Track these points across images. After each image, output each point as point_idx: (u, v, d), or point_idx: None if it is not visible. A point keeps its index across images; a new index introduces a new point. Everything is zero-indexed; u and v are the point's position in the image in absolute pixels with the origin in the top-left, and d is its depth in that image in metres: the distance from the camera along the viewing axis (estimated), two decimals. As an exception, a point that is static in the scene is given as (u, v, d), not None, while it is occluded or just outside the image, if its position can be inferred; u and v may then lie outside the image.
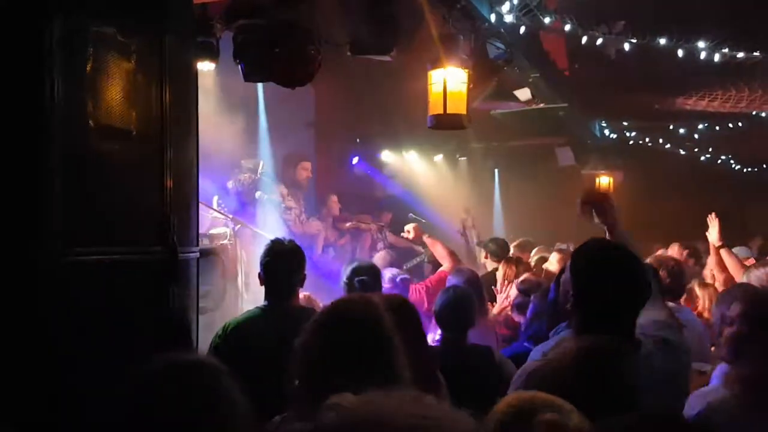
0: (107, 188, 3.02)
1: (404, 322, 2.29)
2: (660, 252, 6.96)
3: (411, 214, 9.74)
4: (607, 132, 11.51)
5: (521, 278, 4.99)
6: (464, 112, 4.55)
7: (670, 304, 4.22)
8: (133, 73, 3.26)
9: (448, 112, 4.46)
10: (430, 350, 2.50)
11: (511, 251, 6.79)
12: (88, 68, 3.02)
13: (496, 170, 12.70)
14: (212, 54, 4.66)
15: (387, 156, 11.46)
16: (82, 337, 2.76)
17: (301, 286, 3.63)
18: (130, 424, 1.56)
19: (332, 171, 10.04)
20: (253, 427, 1.69)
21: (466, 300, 3.78)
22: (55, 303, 2.74)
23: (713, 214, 5.85)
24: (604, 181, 11.98)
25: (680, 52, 5.43)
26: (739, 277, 4.97)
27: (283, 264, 3.56)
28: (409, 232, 5.81)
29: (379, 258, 6.40)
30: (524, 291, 4.58)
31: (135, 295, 3.10)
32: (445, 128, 4.72)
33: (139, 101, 3.28)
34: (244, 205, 6.66)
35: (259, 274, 3.67)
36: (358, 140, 10.64)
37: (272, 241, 3.82)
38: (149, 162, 3.32)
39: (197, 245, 3.98)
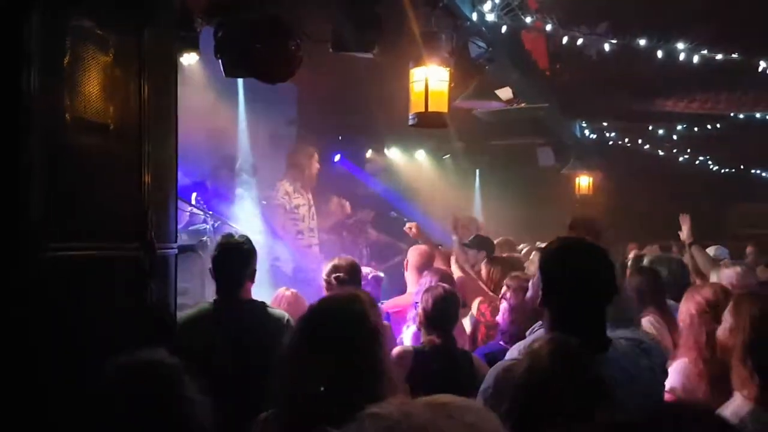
0: (84, 183, 2.98)
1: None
2: (633, 253, 7.07)
3: (392, 212, 9.74)
4: (587, 132, 11.60)
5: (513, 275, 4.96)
6: (446, 110, 4.55)
7: (671, 302, 4.23)
8: (111, 66, 3.23)
9: (429, 110, 4.46)
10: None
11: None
12: (65, 61, 2.98)
13: (477, 169, 12.73)
14: (193, 48, 4.62)
15: (369, 154, 11.45)
16: (59, 334, 2.72)
17: (252, 280, 3.62)
18: (93, 422, 1.56)
19: (284, 176, 10.01)
20: (213, 425, 1.68)
21: (455, 300, 3.77)
22: (33, 299, 2.70)
23: (684, 214, 6.06)
24: (584, 181, 12.08)
25: (660, 54, 5.49)
26: (709, 275, 5.03)
27: (231, 258, 3.56)
28: (411, 228, 5.78)
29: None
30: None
31: (113, 292, 3.08)
32: (427, 126, 4.72)
33: (118, 95, 3.25)
34: (222, 202, 6.60)
35: (210, 269, 3.67)
36: (340, 138, 10.62)
37: (222, 236, 3.85)
38: (127, 157, 3.29)
39: (176, 241, 3.95)
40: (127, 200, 3.28)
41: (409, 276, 5.02)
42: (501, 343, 3.83)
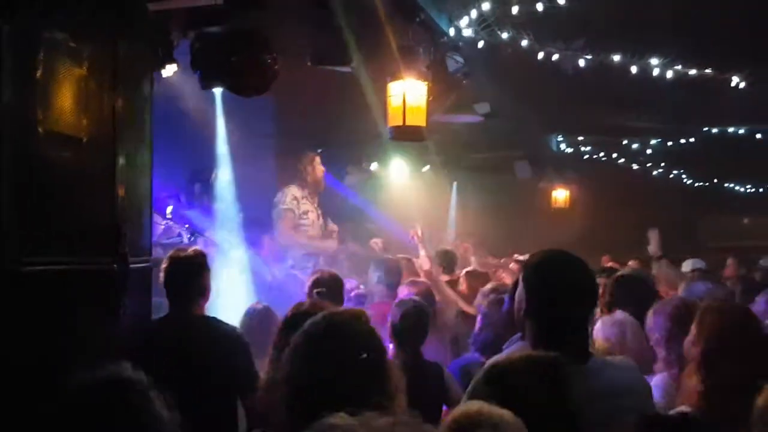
0: (56, 196, 2.94)
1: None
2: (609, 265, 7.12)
3: (370, 224, 9.71)
4: (563, 146, 11.70)
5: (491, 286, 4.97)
6: (424, 124, 4.57)
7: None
8: (85, 79, 3.20)
9: (407, 124, 4.47)
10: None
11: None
12: (37, 74, 2.95)
13: (454, 182, 12.77)
14: (169, 61, 4.59)
15: (348, 167, 11.44)
16: (30, 348, 2.66)
17: (203, 295, 3.54)
18: None
19: (292, 181, 9.97)
20: None
21: (423, 314, 3.76)
22: (3, 313, 2.64)
23: (652, 229, 6.19)
24: (560, 194, 12.17)
25: (634, 69, 5.57)
26: (676, 288, 5.06)
27: (180, 273, 3.49)
28: (415, 233, 5.76)
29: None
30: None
31: (85, 306, 3.02)
32: (405, 140, 4.74)
33: (91, 108, 3.22)
34: (197, 215, 6.53)
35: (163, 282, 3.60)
36: (319, 151, 10.61)
37: (174, 250, 3.77)
38: (100, 170, 3.26)
39: (150, 255, 3.91)
40: (100, 214, 3.25)
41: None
42: (476, 355, 3.82)
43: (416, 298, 4.11)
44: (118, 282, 3.25)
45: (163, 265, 3.60)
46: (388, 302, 4.84)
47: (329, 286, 4.35)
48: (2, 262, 2.66)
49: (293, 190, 6.95)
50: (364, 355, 1.84)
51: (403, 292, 4.77)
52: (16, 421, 2.47)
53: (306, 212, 6.98)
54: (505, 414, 1.53)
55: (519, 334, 3.04)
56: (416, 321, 3.68)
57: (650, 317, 3.25)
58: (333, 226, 7.55)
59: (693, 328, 2.55)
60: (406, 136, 4.62)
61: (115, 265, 3.24)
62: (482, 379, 1.95)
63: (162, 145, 4.78)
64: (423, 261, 5.55)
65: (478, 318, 3.94)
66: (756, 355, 2.34)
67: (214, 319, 3.62)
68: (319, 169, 7.33)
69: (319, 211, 7.24)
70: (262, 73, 3.65)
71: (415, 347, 3.64)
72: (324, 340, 1.87)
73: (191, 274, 3.53)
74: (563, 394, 1.81)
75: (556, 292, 2.23)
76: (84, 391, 1.58)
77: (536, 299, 2.27)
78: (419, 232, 5.62)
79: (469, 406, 1.57)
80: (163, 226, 5.85)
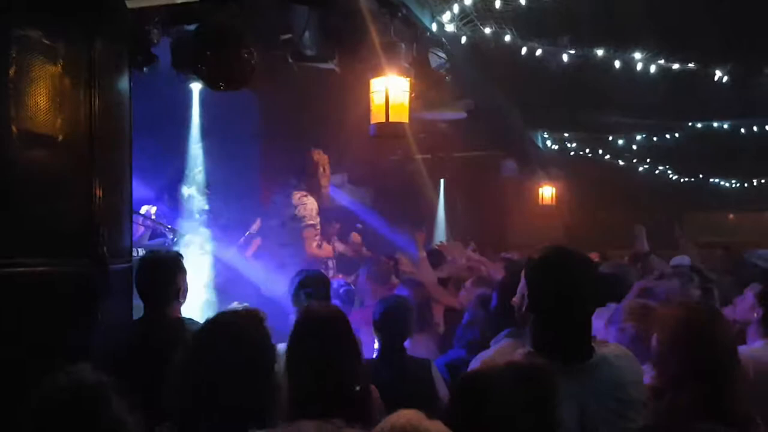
0: (30, 197, 2.89)
1: (332, 335, 2.27)
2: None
3: (358, 224, 9.67)
4: (549, 143, 11.72)
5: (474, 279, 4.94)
6: (406, 120, 4.53)
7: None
8: (60, 77, 3.14)
9: (390, 120, 4.43)
10: (363, 366, 2.44)
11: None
12: (11, 72, 2.89)
13: (441, 180, 12.76)
14: (148, 60, 4.53)
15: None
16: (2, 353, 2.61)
17: (178, 297, 3.43)
18: None
19: (278, 182, 9.91)
20: None
21: (403, 309, 3.73)
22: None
23: (639, 225, 6.24)
24: (547, 191, 12.19)
25: (617, 64, 5.56)
26: None
27: (153, 275, 3.40)
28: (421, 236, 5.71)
29: None
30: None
31: (60, 308, 2.96)
32: (387, 137, 4.69)
33: (66, 107, 3.16)
34: (180, 216, 6.46)
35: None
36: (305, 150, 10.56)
37: (146, 252, 3.68)
38: (76, 170, 3.19)
39: (131, 256, 3.85)
40: (77, 214, 3.19)
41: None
42: (462, 351, 3.79)
43: (400, 294, 4.07)
44: (95, 284, 3.19)
45: (137, 267, 3.50)
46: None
47: (316, 286, 4.29)
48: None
49: (313, 204, 6.46)
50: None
51: (400, 290, 4.73)
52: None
53: (319, 224, 6.58)
54: (435, 427, 1.51)
55: (507, 330, 3.01)
56: (398, 316, 3.64)
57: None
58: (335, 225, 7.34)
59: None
60: (389, 132, 4.58)
61: (93, 267, 3.18)
62: (458, 391, 1.91)
63: (145, 146, 4.73)
64: (406, 261, 5.53)
65: (465, 315, 3.91)
66: (699, 353, 2.33)
67: (191, 320, 3.55)
68: (328, 167, 7.01)
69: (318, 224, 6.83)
70: (239, 68, 3.59)
71: (398, 343, 3.60)
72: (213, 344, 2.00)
73: (166, 276, 3.43)
74: (545, 408, 1.77)
75: (559, 290, 2.19)
76: (42, 395, 1.55)
77: (538, 296, 2.23)
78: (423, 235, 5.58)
79: (398, 417, 1.54)
80: (143, 228, 5.78)
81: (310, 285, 4.18)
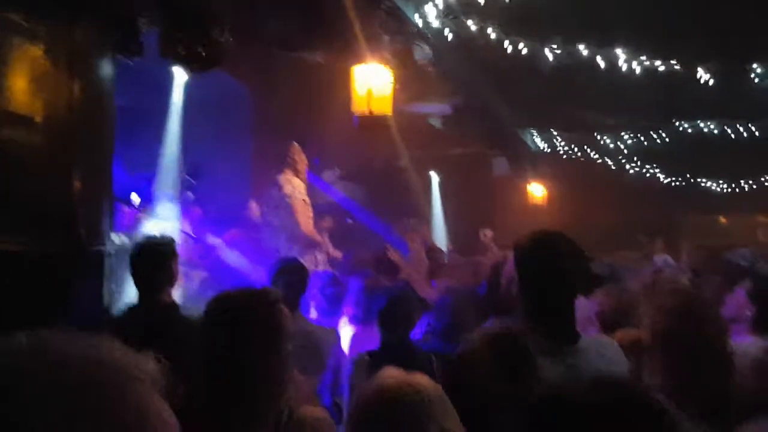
0: (6, 176, 2.91)
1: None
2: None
3: (349, 220, 9.69)
4: (539, 142, 11.76)
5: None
6: (389, 112, 4.55)
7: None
8: (40, 59, 3.17)
9: (373, 112, 4.45)
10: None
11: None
12: (-11, 52, 2.92)
13: (435, 178, 12.79)
14: (133, 46, 4.55)
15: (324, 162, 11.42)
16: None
17: (171, 283, 3.45)
18: None
19: (269, 175, 9.92)
20: None
21: (408, 301, 3.73)
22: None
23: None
24: (538, 190, 12.23)
25: (602, 63, 5.60)
26: None
27: (148, 260, 3.44)
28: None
29: None
30: None
31: (35, 287, 2.98)
32: (371, 128, 4.71)
33: (46, 89, 3.18)
34: (167, 204, 6.46)
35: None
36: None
37: (142, 238, 3.70)
38: (55, 151, 3.22)
39: (110, 240, 3.87)
40: (56, 195, 3.21)
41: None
42: (436, 342, 3.81)
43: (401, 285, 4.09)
44: (72, 265, 3.22)
45: (131, 253, 3.53)
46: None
47: (294, 274, 4.29)
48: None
49: (299, 182, 6.34)
50: None
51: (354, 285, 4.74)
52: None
53: (309, 204, 6.46)
54: (426, 383, 1.52)
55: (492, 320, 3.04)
56: (401, 308, 3.65)
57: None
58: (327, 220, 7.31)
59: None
60: (372, 124, 4.61)
61: (69, 248, 3.21)
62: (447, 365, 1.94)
63: (132, 135, 4.75)
64: (395, 253, 5.57)
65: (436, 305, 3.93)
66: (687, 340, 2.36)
67: (183, 306, 3.58)
68: (303, 157, 6.78)
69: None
70: (210, 48, 3.61)
71: (403, 335, 3.61)
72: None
73: (159, 261, 3.45)
74: (523, 366, 1.81)
75: (547, 270, 2.22)
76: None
77: (527, 277, 2.26)
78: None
79: (387, 378, 1.53)
80: (128, 214, 5.80)
81: (289, 272, 4.17)
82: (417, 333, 4.13)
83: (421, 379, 1.53)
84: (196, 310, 3.58)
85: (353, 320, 4.48)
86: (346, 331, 4.33)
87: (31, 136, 3.08)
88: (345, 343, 4.24)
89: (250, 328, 1.84)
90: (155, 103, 6.56)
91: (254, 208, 7.93)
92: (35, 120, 3.09)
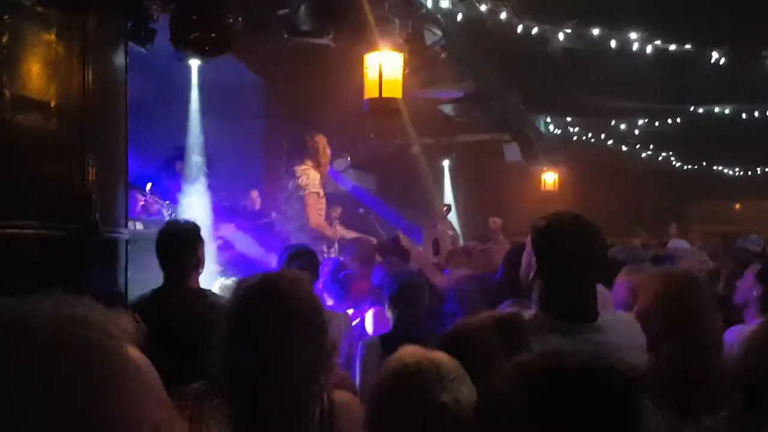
0: (22, 160, 2.94)
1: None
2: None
3: (360, 209, 9.70)
4: (551, 128, 11.69)
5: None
6: (399, 96, 4.54)
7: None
8: (53, 45, 3.19)
9: (383, 95, 4.44)
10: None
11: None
12: (3, 38, 2.94)
13: (446, 165, 12.78)
14: (145, 33, 4.56)
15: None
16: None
17: (197, 268, 3.44)
18: None
19: (281, 163, 9.94)
20: None
21: (419, 284, 3.74)
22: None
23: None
24: (550, 177, 12.18)
25: (614, 44, 5.55)
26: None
27: (173, 246, 3.44)
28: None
29: None
30: None
31: (49, 272, 3.01)
32: (381, 112, 4.70)
33: (60, 74, 3.21)
34: (177, 193, 6.49)
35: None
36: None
37: (166, 222, 3.70)
38: (69, 137, 3.24)
39: (126, 226, 3.90)
40: (70, 181, 3.24)
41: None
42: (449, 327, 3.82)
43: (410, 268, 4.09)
44: (87, 250, 3.24)
45: (158, 237, 3.55)
46: (364, 279, 4.86)
47: (306, 259, 4.31)
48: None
49: (315, 174, 6.30)
50: None
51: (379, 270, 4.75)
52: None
53: (323, 196, 6.46)
54: (446, 360, 1.54)
55: (510, 300, 3.04)
56: (415, 291, 3.65)
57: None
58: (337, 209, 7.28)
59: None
60: (382, 108, 4.60)
61: (84, 233, 3.23)
62: (442, 344, 1.95)
63: (144, 122, 4.76)
64: (405, 239, 5.56)
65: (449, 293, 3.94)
66: (673, 319, 2.36)
67: (211, 292, 3.58)
68: (328, 150, 6.88)
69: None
70: (223, 32, 3.61)
71: (415, 318, 3.62)
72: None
73: (187, 246, 3.43)
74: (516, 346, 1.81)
75: (566, 251, 2.21)
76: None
77: (546, 259, 2.25)
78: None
79: (405, 355, 1.55)
80: (142, 203, 5.83)
81: (300, 258, 4.17)
82: (428, 319, 4.15)
83: (439, 355, 1.55)
84: (222, 295, 3.62)
85: (376, 303, 4.51)
86: (369, 313, 4.35)
87: (47, 122, 3.10)
88: (369, 324, 4.27)
89: (296, 309, 1.78)
90: (167, 93, 6.57)
91: (255, 198, 7.97)
92: (50, 105, 3.11)
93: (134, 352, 0.76)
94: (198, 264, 3.42)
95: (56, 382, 0.66)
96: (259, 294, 1.85)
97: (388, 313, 3.76)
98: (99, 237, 3.30)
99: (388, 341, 3.42)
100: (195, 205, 6.30)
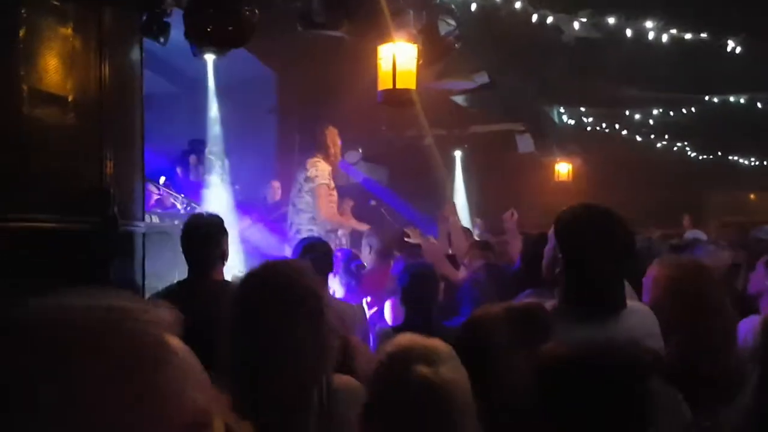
0: (41, 154, 2.96)
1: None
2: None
3: (371, 200, 9.70)
4: (565, 118, 11.62)
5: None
6: (413, 87, 4.52)
7: None
8: (70, 39, 3.20)
9: (397, 87, 4.43)
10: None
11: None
12: (21, 32, 2.95)
13: (458, 156, 12.74)
14: (159, 28, 4.57)
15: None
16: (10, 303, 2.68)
17: (223, 260, 3.46)
18: None
19: (294, 157, 9.97)
20: None
21: (432, 277, 3.75)
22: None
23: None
24: (563, 168, 12.11)
25: (629, 33, 5.50)
26: None
27: (198, 238, 3.46)
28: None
29: None
30: None
31: (70, 265, 3.04)
32: (395, 104, 4.69)
33: (77, 68, 3.22)
34: (193, 185, 6.54)
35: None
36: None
37: (191, 215, 3.71)
38: (87, 130, 3.26)
39: (143, 219, 3.92)
40: (87, 174, 3.26)
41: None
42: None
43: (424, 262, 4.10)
44: (106, 243, 3.27)
45: (183, 230, 3.57)
46: (382, 271, 4.87)
47: (320, 252, 4.32)
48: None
49: (326, 166, 6.41)
50: None
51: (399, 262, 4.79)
52: None
53: (334, 188, 6.56)
54: (439, 344, 1.56)
55: (529, 291, 3.04)
56: (428, 284, 3.66)
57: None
58: (349, 202, 7.29)
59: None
60: (396, 99, 4.59)
61: (103, 226, 3.25)
62: (462, 332, 1.95)
63: (158, 117, 4.79)
64: (415, 232, 5.58)
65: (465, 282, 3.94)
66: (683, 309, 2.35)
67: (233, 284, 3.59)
68: (338, 141, 6.95)
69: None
70: (240, 25, 3.61)
71: (428, 311, 3.63)
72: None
73: (213, 239, 3.43)
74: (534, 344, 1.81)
75: (591, 239, 2.20)
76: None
77: (570, 252, 2.24)
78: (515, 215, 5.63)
79: (401, 339, 1.60)
80: (157, 196, 5.86)
81: (315, 251, 4.19)
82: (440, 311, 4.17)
83: (433, 340, 1.58)
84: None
85: (392, 294, 4.53)
86: (388, 303, 4.37)
87: (65, 116, 3.12)
88: (388, 315, 4.29)
89: (295, 294, 1.82)
90: (180, 86, 6.61)
91: (275, 188, 7.97)
92: (68, 99, 3.12)
93: (174, 340, 0.77)
94: (222, 256, 3.45)
95: (109, 372, 0.67)
96: (260, 283, 1.90)
97: (401, 305, 3.78)
98: (117, 230, 3.32)
99: (401, 332, 3.42)
100: (214, 198, 6.34)
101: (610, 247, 2.19)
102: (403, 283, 3.70)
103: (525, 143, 11.23)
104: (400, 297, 3.76)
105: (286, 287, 1.84)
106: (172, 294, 3.38)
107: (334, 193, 6.65)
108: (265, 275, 1.91)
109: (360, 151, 11.65)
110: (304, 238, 4.78)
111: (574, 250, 2.22)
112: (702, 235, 7.98)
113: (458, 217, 5.65)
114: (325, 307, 1.86)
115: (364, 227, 9.12)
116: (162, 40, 4.69)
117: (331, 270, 4.25)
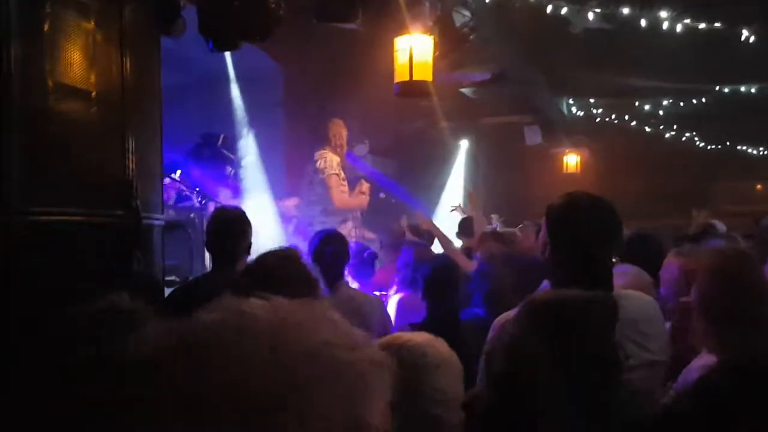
0: (66, 148, 2.98)
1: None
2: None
3: (381, 193, 9.70)
4: (574, 109, 11.59)
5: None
6: (430, 79, 4.53)
7: None
8: (93, 33, 3.21)
9: (414, 78, 4.45)
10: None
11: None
12: (45, 27, 2.97)
13: (465, 148, 12.73)
14: (176, 24, 4.57)
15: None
16: (37, 299, 2.70)
17: (248, 253, 3.51)
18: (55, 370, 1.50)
19: (302, 151, 9.98)
20: None
21: (454, 271, 3.75)
22: (11, 263, 2.69)
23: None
24: (572, 159, 12.10)
25: (643, 23, 5.49)
26: None
27: (224, 231, 3.49)
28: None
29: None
30: None
31: (96, 258, 3.07)
32: (411, 96, 4.70)
33: (100, 62, 3.23)
34: (206, 180, 6.54)
35: (205, 241, 3.61)
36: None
37: (216, 209, 3.76)
38: (110, 124, 3.28)
39: (162, 213, 3.95)
40: (111, 167, 3.28)
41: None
42: (475, 311, 3.82)
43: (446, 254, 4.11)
44: (131, 236, 3.29)
45: (208, 223, 3.60)
46: (393, 265, 4.90)
47: (339, 244, 4.34)
48: (8, 213, 2.70)
49: (333, 157, 6.57)
50: None
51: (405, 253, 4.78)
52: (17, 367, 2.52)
53: (344, 179, 6.74)
54: (440, 344, 1.70)
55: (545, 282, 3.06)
56: (448, 276, 3.66)
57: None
58: (365, 185, 7.33)
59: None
60: (413, 91, 4.60)
61: (126, 219, 3.28)
62: (531, 313, 1.91)
63: (172, 110, 4.79)
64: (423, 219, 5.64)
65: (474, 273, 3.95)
66: (733, 300, 2.35)
67: None
68: (345, 133, 6.95)
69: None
70: (265, 17, 3.62)
71: (451, 306, 3.63)
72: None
73: (238, 232, 3.49)
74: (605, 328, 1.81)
75: (579, 230, 2.24)
76: (78, 320, 1.59)
77: (559, 238, 2.28)
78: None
79: (411, 337, 1.74)
80: (174, 190, 5.88)
81: (334, 242, 4.21)
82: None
83: (436, 342, 1.70)
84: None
85: (401, 286, 4.53)
86: (394, 298, 4.38)
87: (88, 110, 3.13)
88: (392, 309, 4.29)
89: (290, 280, 1.94)
90: (195, 80, 6.62)
91: (291, 203, 7.95)
92: (91, 93, 3.14)
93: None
94: (247, 249, 3.49)
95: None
96: (245, 272, 2.07)
97: (423, 299, 3.76)
98: (140, 223, 3.35)
99: (421, 329, 3.43)
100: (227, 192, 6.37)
101: (588, 231, 2.23)
102: (424, 275, 3.69)
103: (533, 135, 11.21)
104: (422, 291, 3.76)
105: (272, 276, 1.96)
106: (199, 285, 3.42)
107: (345, 182, 6.72)
108: (253, 266, 2.08)
109: (366, 143, 11.65)
110: (321, 230, 4.80)
111: (556, 234, 2.27)
112: (721, 226, 7.97)
113: (480, 210, 5.70)
114: (317, 292, 1.97)
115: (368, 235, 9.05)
116: (176, 35, 4.71)
117: (348, 260, 4.27)
